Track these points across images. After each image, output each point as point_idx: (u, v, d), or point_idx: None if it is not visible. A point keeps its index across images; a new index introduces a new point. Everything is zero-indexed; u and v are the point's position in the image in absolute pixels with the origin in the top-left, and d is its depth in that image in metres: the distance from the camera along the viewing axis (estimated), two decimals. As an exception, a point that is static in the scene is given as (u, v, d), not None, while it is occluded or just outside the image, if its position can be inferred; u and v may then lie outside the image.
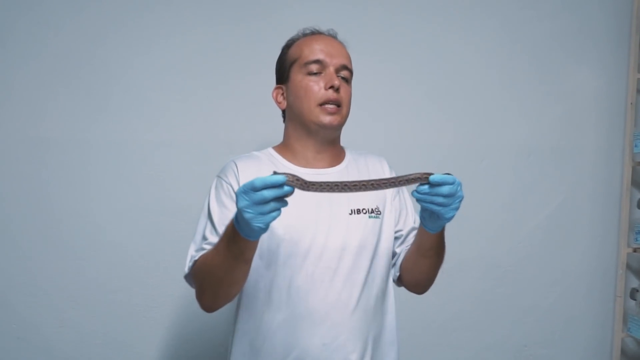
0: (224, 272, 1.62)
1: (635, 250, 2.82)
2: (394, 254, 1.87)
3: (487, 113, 2.74)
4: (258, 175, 1.71)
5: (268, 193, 1.42)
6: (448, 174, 1.52)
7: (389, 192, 1.86)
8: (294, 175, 1.46)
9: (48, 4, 2.36)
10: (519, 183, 2.79)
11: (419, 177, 1.51)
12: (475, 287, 2.76)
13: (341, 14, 2.55)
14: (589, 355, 2.90)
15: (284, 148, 1.85)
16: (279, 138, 1.87)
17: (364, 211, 1.77)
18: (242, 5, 2.49)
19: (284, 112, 1.86)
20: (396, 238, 1.87)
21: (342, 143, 1.90)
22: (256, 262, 1.71)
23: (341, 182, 1.54)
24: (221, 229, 1.70)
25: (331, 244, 1.71)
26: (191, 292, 1.77)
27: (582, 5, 2.79)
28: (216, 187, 1.78)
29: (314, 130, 1.77)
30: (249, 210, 1.43)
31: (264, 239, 1.67)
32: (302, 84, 1.76)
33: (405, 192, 1.91)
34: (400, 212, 1.87)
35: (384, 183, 1.55)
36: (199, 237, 1.75)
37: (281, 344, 1.71)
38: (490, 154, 2.75)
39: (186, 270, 1.73)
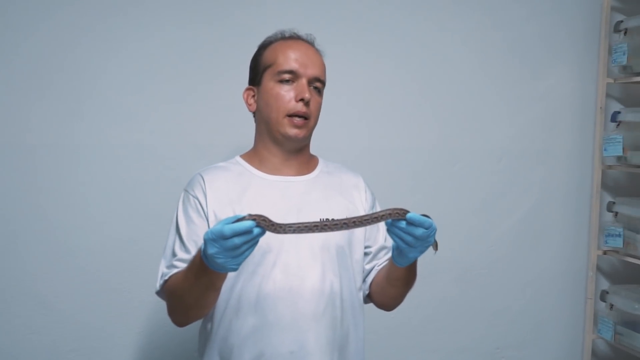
0: (194, 299, 1.63)
1: (605, 253, 2.86)
2: (363, 270, 1.88)
3: (460, 117, 2.76)
4: (225, 186, 1.72)
5: (238, 240, 1.41)
6: (426, 215, 1.53)
7: (361, 205, 1.86)
8: (260, 216, 1.44)
9: (19, 8, 2.34)
10: (491, 186, 2.82)
11: (397, 213, 1.51)
12: (448, 290, 2.78)
13: (316, 17, 2.55)
14: (560, 357, 2.93)
15: (253, 155, 1.84)
16: (251, 143, 1.87)
17: None
18: (216, 8, 2.48)
19: (254, 113, 1.85)
20: (365, 254, 1.87)
21: (316, 148, 1.90)
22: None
23: (316, 223, 1.52)
24: (189, 244, 1.71)
25: (299, 254, 1.71)
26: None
27: (552, 12, 2.82)
28: (183, 202, 1.77)
29: (280, 140, 1.77)
30: (219, 257, 1.44)
31: None
32: (273, 91, 1.76)
33: (377, 210, 1.92)
34: (371, 229, 1.87)
35: (359, 221, 1.54)
36: (168, 251, 1.75)
37: (249, 351, 1.71)
38: (463, 157, 2.77)
39: (157, 287, 1.73)
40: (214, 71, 2.46)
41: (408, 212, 1.50)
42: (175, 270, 1.69)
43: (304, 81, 1.75)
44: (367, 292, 1.88)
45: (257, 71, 1.82)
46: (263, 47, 1.84)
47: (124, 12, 2.41)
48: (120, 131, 2.42)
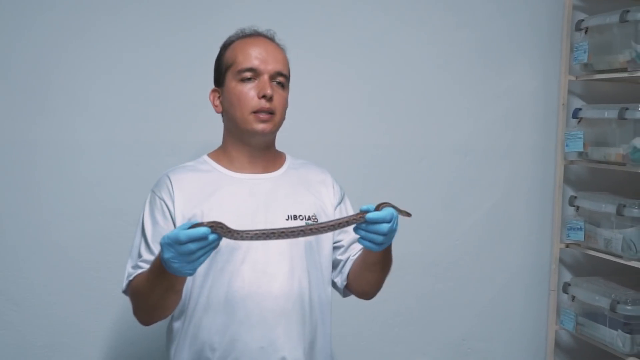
0: (155, 300, 1.65)
1: (567, 246, 2.92)
2: (338, 262, 1.91)
3: (426, 114, 2.80)
4: (194, 185, 1.73)
5: (194, 246, 1.44)
6: (387, 204, 1.55)
7: (329, 200, 1.89)
8: (217, 223, 1.46)
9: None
10: (456, 182, 2.86)
11: (354, 220, 1.54)
12: (416, 284, 2.82)
13: (283, 14, 2.56)
14: (524, 348, 2.99)
15: (221, 153, 1.86)
16: (220, 139, 1.89)
17: (301, 217, 1.80)
18: (185, 4, 2.49)
19: (222, 114, 1.86)
20: (337, 247, 1.90)
21: (281, 146, 1.93)
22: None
23: (273, 230, 1.55)
24: (154, 246, 1.72)
25: (268, 250, 1.73)
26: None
27: (516, 10, 2.86)
28: (150, 203, 1.79)
29: (247, 137, 1.79)
30: (175, 261, 1.46)
31: None
32: (235, 90, 1.77)
33: (347, 204, 1.95)
34: None
35: (317, 229, 1.57)
36: (135, 252, 1.77)
37: (219, 347, 1.73)
38: (428, 153, 2.81)
39: (123, 286, 1.76)
40: (185, 68, 2.47)
41: (366, 213, 1.53)
42: (139, 271, 1.71)
43: (265, 77, 1.76)
44: (344, 283, 1.90)
45: (220, 72, 1.84)
46: (224, 48, 1.85)
47: (95, 10, 2.41)
48: (90, 128, 2.43)
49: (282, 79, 1.81)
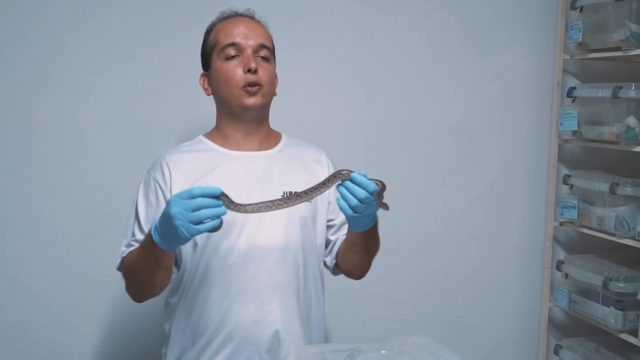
0: (145, 276, 1.69)
1: (561, 224, 2.95)
2: (329, 242, 1.93)
3: (421, 93, 2.81)
4: (191, 169, 1.76)
5: (203, 201, 1.48)
6: (377, 181, 1.58)
7: (322, 179, 1.91)
8: (224, 193, 1.52)
9: None
10: (452, 161, 2.88)
11: (340, 174, 1.58)
12: (411, 262, 2.85)
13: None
14: (518, 324, 3.03)
15: (216, 133, 1.88)
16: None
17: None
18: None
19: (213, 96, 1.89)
20: (329, 227, 1.93)
21: (276, 125, 1.94)
22: (191, 245, 1.76)
23: (270, 201, 1.59)
24: (146, 226, 1.75)
25: (263, 225, 1.75)
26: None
27: (511, -11, 2.87)
28: (144, 183, 1.82)
29: (239, 113, 1.81)
30: (180, 218, 1.49)
31: None
32: (221, 69, 1.80)
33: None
34: (331, 204, 1.92)
35: (311, 191, 1.62)
36: (129, 231, 1.81)
37: (214, 321, 1.76)
38: (424, 133, 2.82)
39: (117, 264, 1.80)
40: (180, 50, 2.46)
41: (352, 172, 1.56)
42: (131, 249, 1.75)
43: (248, 52, 1.79)
44: (334, 262, 1.93)
45: (206, 55, 1.87)
46: (207, 32, 1.89)
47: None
48: (88, 108, 2.43)
49: (265, 52, 1.83)
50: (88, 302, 2.48)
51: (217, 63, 1.82)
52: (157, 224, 1.57)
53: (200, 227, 1.50)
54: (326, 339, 1.96)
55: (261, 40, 1.82)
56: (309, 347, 1.75)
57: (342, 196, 1.56)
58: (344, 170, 1.59)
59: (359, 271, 1.93)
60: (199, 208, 1.48)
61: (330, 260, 1.94)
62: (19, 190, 2.41)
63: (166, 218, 1.51)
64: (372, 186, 1.56)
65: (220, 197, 1.51)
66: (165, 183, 1.78)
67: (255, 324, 1.76)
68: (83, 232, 2.46)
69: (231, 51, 1.80)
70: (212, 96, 1.89)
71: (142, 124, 2.48)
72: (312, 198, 1.64)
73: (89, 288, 2.47)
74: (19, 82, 2.37)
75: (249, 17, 1.88)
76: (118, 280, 2.43)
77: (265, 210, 1.61)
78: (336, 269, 1.96)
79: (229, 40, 1.80)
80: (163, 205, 1.75)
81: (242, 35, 1.81)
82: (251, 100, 1.79)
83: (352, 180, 1.55)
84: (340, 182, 1.58)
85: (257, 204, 1.60)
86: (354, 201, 1.55)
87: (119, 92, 2.46)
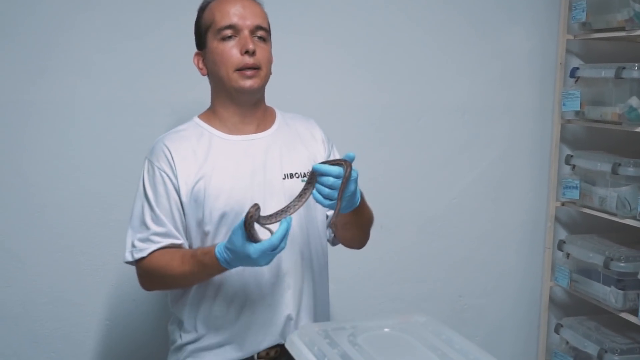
0: (190, 283, 1.76)
1: (563, 204, 2.96)
2: (326, 217, 1.94)
3: (423, 73, 2.81)
4: (191, 154, 1.77)
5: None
6: (341, 163, 1.58)
7: (319, 154, 1.91)
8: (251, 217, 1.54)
9: None
10: (454, 141, 2.88)
11: (311, 178, 1.60)
12: (413, 241, 2.87)
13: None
14: (520, 304, 3.05)
15: (211, 115, 1.85)
16: (211, 100, 1.91)
17: (297, 175, 1.83)
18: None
19: (208, 76, 1.86)
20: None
21: (284, 103, 1.94)
22: (202, 235, 1.78)
23: (284, 209, 1.63)
24: (165, 218, 1.75)
25: (269, 209, 1.73)
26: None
27: (515, -31, 2.86)
28: (149, 173, 1.79)
29: (235, 96, 1.79)
30: (265, 260, 1.57)
31: (207, 213, 1.75)
32: (217, 50, 1.77)
33: (335, 152, 1.97)
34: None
35: (297, 203, 1.64)
36: (136, 221, 1.78)
37: (228, 306, 1.78)
38: (426, 112, 2.82)
39: (129, 257, 1.78)
40: (182, 28, 2.44)
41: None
42: (154, 247, 1.74)
43: (245, 33, 1.76)
44: (332, 234, 1.95)
45: (200, 34, 1.84)
46: (202, 10, 1.85)
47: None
48: (91, 89, 2.44)
49: (262, 32, 1.80)
50: (93, 281, 2.50)
51: (213, 43, 1.78)
52: (230, 260, 1.60)
53: (276, 251, 1.57)
54: (328, 318, 1.98)
55: (258, 20, 1.79)
56: (312, 325, 1.76)
57: (317, 191, 1.59)
58: (312, 174, 1.61)
59: (357, 244, 1.95)
60: (278, 249, 1.57)
61: (328, 234, 1.95)
62: (21, 169, 2.42)
63: (249, 260, 1.57)
64: (336, 171, 1.57)
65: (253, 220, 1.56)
66: (174, 173, 1.76)
67: (269, 307, 1.79)
68: (87, 212, 2.47)
69: (228, 32, 1.76)
70: (206, 76, 1.87)
71: (144, 103, 2.49)
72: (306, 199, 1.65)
73: (93, 267, 2.49)
74: (20, 60, 2.37)
75: None
76: (121, 259, 2.48)
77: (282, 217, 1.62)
78: (335, 240, 1.97)
79: (226, 21, 1.76)
80: (174, 194, 1.76)
81: (238, 15, 1.76)
82: (248, 83, 1.76)
83: (315, 172, 1.57)
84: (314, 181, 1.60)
85: (275, 216, 1.63)
86: (325, 190, 1.57)
87: (122, 72, 2.46)
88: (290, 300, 1.81)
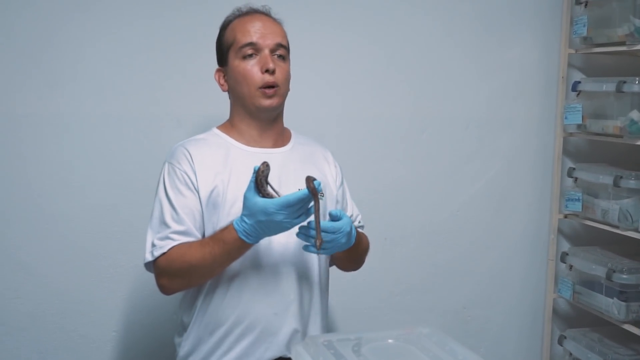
0: (212, 269, 1.74)
1: (566, 217, 2.97)
2: None
3: (428, 86, 2.83)
4: (210, 159, 1.80)
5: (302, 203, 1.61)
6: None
7: (331, 178, 1.95)
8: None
9: None
10: (458, 153, 2.90)
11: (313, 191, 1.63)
12: (417, 253, 2.88)
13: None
14: (523, 315, 3.06)
15: (230, 127, 1.90)
16: (227, 113, 1.93)
17: None
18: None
19: (228, 91, 1.91)
20: None
21: (289, 118, 1.96)
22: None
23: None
24: (184, 216, 1.77)
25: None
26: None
27: (518, -16, 2.89)
28: (169, 174, 1.81)
29: (256, 113, 1.84)
30: (287, 220, 1.60)
31: (223, 219, 1.77)
32: (239, 68, 1.82)
33: (345, 186, 2.01)
34: (339, 202, 1.97)
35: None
36: (156, 222, 1.80)
37: (234, 313, 1.79)
38: (430, 125, 2.85)
39: (149, 257, 1.78)
40: (191, 42, 2.49)
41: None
42: (173, 243, 1.75)
43: (266, 52, 1.81)
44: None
45: (222, 52, 1.88)
46: (223, 28, 1.90)
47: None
48: (100, 101, 2.46)
49: (282, 51, 1.85)
50: (101, 292, 2.51)
51: (235, 62, 1.83)
52: (248, 230, 1.63)
53: (301, 218, 1.63)
54: (333, 329, 2.01)
55: (278, 39, 1.84)
56: (317, 336, 1.78)
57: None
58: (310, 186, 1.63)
59: (352, 270, 2.03)
60: (299, 209, 1.61)
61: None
62: (32, 181, 2.43)
63: (268, 219, 1.59)
64: (331, 228, 1.67)
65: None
66: (195, 174, 1.79)
67: (275, 316, 1.81)
68: (96, 224, 2.49)
69: (249, 50, 1.81)
70: (226, 92, 1.91)
71: (153, 117, 2.51)
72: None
73: (102, 278, 2.51)
74: (31, 74, 2.40)
75: (266, 14, 1.89)
76: (129, 271, 2.50)
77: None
78: (331, 262, 2.01)
79: (247, 40, 1.81)
80: (195, 195, 1.79)
81: (259, 34, 1.82)
82: (268, 102, 1.81)
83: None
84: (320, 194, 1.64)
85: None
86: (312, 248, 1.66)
87: (130, 86, 2.48)
88: (297, 309, 1.83)
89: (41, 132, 2.43)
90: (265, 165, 1.62)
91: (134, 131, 2.50)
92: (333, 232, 1.66)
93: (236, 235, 1.64)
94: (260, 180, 1.60)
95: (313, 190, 1.60)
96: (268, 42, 1.82)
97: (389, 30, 2.76)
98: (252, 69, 1.81)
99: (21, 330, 2.46)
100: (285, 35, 1.89)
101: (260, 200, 1.59)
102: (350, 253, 1.82)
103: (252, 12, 1.89)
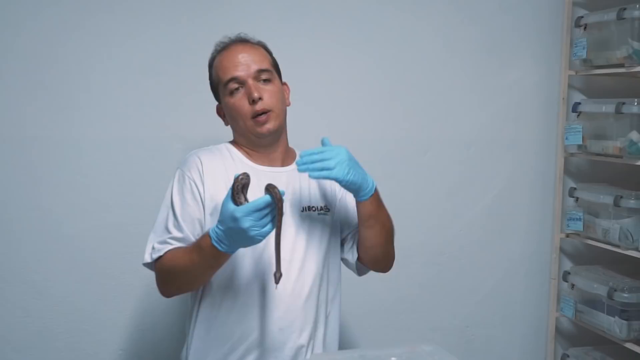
0: (194, 276, 1.76)
1: (568, 236, 2.99)
2: (345, 237, 1.99)
3: (430, 108, 2.86)
4: (222, 170, 1.83)
5: (267, 210, 1.61)
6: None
7: (337, 194, 1.98)
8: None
9: (10, 5, 2.39)
10: (460, 174, 2.93)
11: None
12: (420, 273, 2.89)
13: (288, 12, 2.62)
14: (526, 334, 3.07)
15: (238, 146, 1.94)
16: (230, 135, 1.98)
17: (314, 209, 1.90)
18: (200, 6, 2.55)
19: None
20: (344, 239, 2.00)
21: (291, 139, 2.00)
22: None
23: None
24: (184, 224, 1.81)
25: (285, 238, 1.79)
26: (150, 281, 1.88)
27: (518, 7, 2.92)
28: (179, 181, 1.86)
29: (257, 141, 1.88)
30: (254, 228, 1.59)
31: None
32: (229, 104, 1.87)
33: (346, 196, 2.01)
34: (341, 218, 1.99)
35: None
36: (160, 227, 1.84)
37: (240, 327, 1.82)
38: (433, 146, 2.88)
39: (148, 259, 1.82)
40: (198, 66, 2.52)
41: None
42: (169, 247, 1.79)
43: (250, 82, 1.84)
44: (356, 256, 1.97)
45: (214, 90, 1.95)
46: (210, 67, 1.95)
47: (112, 10, 2.48)
48: (109, 124, 2.50)
49: (266, 74, 1.87)
50: (108, 311, 2.54)
51: (225, 99, 1.88)
52: (220, 237, 1.64)
53: (268, 227, 1.62)
54: (338, 346, 2.03)
55: (257, 65, 1.86)
56: (321, 354, 1.80)
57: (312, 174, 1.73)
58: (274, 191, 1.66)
59: (382, 255, 1.95)
60: (266, 216, 1.60)
61: (352, 256, 1.98)
62: (41, 203, 2.47)
63: (235, 225, 1.59)
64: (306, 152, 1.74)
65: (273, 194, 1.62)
66: (202, 184, 1.83)
67: (280, 331, 1.82)
68: (103, 243, 2.52)
69: (233, 85, 1.85)
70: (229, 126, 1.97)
71: (159, 138, 2.55)
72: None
73: (109, 297, 2.54)
74: (47, 99, 2.45)
75: (241, 42, 1.92)
76: (135, 290, 2.52)
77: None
78: (360, 265, 1.99)
79: (228, 76, 1.85)
80: (200, 205, 1.82)
81: (239, 67, 1.85)
82: (264, 129, 1.84)
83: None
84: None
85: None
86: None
87: (137, 107, 2.53)
88: (303, 324, 1.86)
89: (52, 154, 2.47)
90: (245, 175, 1.65)
91: (140, 154, 2.54)
92: (319, 153, 1.73)
93: (210, 242, 1.66)
94: (236, 187, 1.62)
95: (277, 195, 1.62)
96: (250, 71, 1.85)
97: (393, 53, 2.80)
98: (240, 102, 1.84)
99: (30, 348, 2.49)
100: (266, 57, 1.91)
101: (231, 206, 1.60)
102: (378, 208, 1.85)
103: (229, 45, 1.92)
